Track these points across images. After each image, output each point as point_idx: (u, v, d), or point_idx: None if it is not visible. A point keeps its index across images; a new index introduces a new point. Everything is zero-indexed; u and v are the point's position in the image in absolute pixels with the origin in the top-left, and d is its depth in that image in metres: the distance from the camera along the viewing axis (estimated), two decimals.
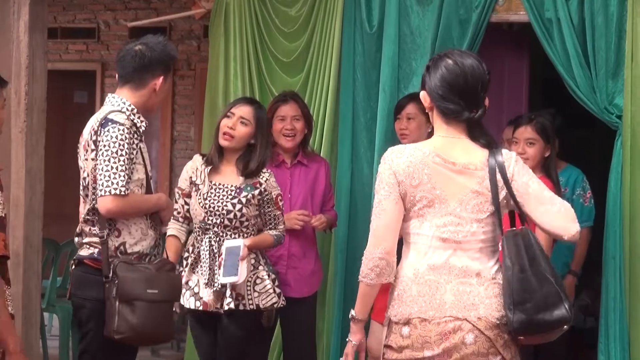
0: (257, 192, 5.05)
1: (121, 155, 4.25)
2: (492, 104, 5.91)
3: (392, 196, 3.62)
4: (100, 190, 4.26)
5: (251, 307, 5.00)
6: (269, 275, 5.10)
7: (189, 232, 5.19)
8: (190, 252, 5.07)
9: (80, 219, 4.45)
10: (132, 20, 8.66)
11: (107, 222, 4.36)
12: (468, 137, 3.70)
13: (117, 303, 4.23)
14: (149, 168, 4.47)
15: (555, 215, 3.64)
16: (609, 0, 5.64)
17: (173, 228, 5.12)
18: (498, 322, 3.56)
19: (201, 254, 5.01)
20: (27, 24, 5.89)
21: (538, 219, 3.64)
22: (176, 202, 5.13)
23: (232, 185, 5.04)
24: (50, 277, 7.00)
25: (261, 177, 5.08)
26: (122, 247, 4.35)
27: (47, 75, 6.07)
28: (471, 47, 5.96)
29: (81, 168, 4.45)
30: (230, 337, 5.03)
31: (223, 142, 5.07)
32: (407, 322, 3.59)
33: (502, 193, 3.63)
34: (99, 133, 4.31)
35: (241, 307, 4.97)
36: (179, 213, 5.12)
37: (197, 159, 5.16)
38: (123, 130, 4.28)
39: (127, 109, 4.38)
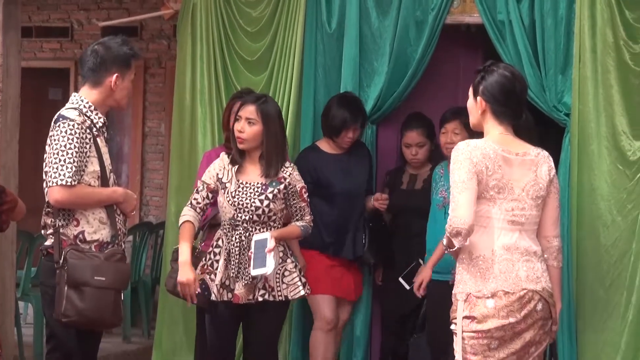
0: (282, 186, 5.04)
1: (69, 148, 4.27)
2: (448, 101, 6.04)
3: (472, 177, 4.02)
4: (49, 182, 4.30)
5: (280, 298, 5.02)
6: (295, 267, 5.10)
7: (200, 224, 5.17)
8: (217, 247, 5.05)
9: (43, 213, 4.45)
10: (104, 20, 8.63)
11: (64, 212, 4.37)
12: (515, 135, 4.19)
13: (65, 288, 4.25)
14: (107, 162, 4.47)
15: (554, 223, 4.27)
16: (559, 3, 5.67)
17: (188, 215, 5.07)
18: (551, 291, 4.12)
19: (231, 249, 5.00)
20: (1, 22, 5.88)
21: (545, 215, 4.22)
22: (197, 192, 5.10)
23: (257, 183, 5.03)
24: (25, 268, 6.97)
25: (284, 171, 5.07)
26: (81, 236, 4.37)
27: (21, 73, 6.05)
28: (427, 47, 5.98)
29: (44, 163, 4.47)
30: (264, 326, 5.07)
31: (240, 145, 5.06)
32: (492, 295, 4.00)
33: (548, 182, 4.17)
34: (53, 127, 4.35)
35: (271, 299, 4.98)
36: (198, 203, 5.08)
37: (225, 158, 5.14)
38: (73, 125, 4.30)
39: (85, 106, 4.42)
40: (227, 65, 6.52)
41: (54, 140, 4.30)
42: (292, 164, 5.15)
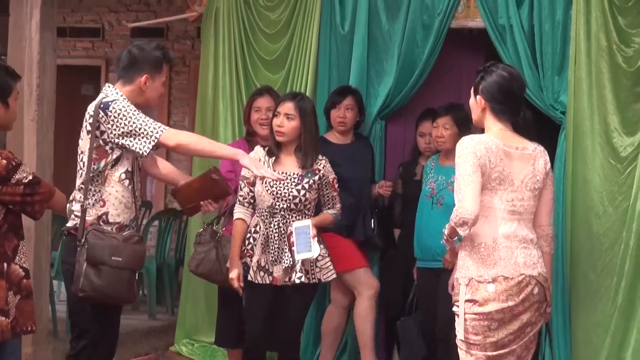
0: (316, 177, 5.06)
1: (138, 113, 4.25)
2: (451, 99, 6.01)
3: (477, 170, 3.96)
4: (148, 144, 4.23)
5: (314, 280, 5.06)
6: (326, 252, 5.13)
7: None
8: (255, 232, 5.04)
9: (75, 187, 4.42)
10: (133, 22, 8.61)
11: (94, 192, 4.34)
12: (514, 132, 4.13)
13: (84, 265, 4.22)
14: None
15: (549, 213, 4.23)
16: (556, 10, 5.64)
17: (240, 212, 5.10)
18: (546, 276, 4.10)
19: (269, 235, 5.01)
20: (39, 23, 5.87)
21: (541, 206, 4.16)
22: (241, 189, 5.11)
23: (294, 174, 5.04)
24: (59, 249, 6.97)
25: (319, 164, 5.09)
26: (104, 217, 4.32)
27: (56, 70, 6.04)
28: (433, 49, 5.97)
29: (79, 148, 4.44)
30: (296, 306, 5.09)
31: (279, 138, 5.06)
32: (493, 280, 3.96)
33: (544, 175, 4.12)
34: (106, 114, 4.26)
35: (306, 281, 5.00)
36: (244, 199, 5.09)
37: (260, 151, 5.13)
38: (123, 99, 4.29)
39: (118, 96, 4.36)
40: (247, 64, 6.52)
41: (122, 117, 4.23)
42: (324, 157, 5.15)
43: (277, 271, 4.98)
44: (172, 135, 4.32)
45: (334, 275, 5.15)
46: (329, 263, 5.11)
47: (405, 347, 5.84)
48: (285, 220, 5.00)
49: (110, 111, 4.27)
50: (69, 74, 8.92)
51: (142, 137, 4.25)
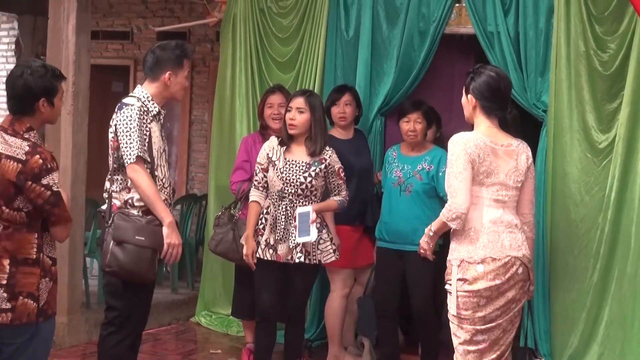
0: (323, 166, 5.03)
1: (134, 128, 4.22)
2: (445, 98, 5.98)
3: (468, 167, 3.95)
4: (129, 158, 4.23)
5: (314, 261, 5.03)
6: (329, 236, 5.09)
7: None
8: (267, 213, 5.03)
9: (106, 179, 4.43)
10: (159, 26, 8.59)
11: (120, 180, 4.34)
12: (500, 128, 4.10)
13: (111, 244, 4.22)
14: (157, 145, 4.36)
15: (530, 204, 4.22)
16: (539, 18, 5.62)
17: (255, 195, 5.09)
18: (530, 257, 4.08)
19: (278, 217, 4.99)
20: (75, 27, 5.88)
21: (523, 196, 4.15)
22: (256, 174, 5.10)
23: (302, 162, 5.01)
24: (92, 229, 6.96)
25: (325, 154, 5.06)
26: (130, 200, 4.31)
27: (90, 69, 6.03)
28: (428, 53, 5.94)
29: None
30: (298, 284, 5.07)
31: (291, 131, 5.04)
32: (482, 261, 3.95)
33: (526, 169, 4.11)
34: (117, 113, 4.31)
35: (306, 261, 4.98)
36: (259, 183, 5.08)
37: (274, 140, 5.12)
38: (132, 109, 4.26)
39: (143, 96, 4.36)
40: (261, 65, 6.52)
41: (124, 124, 4.24)
42: (331, 149, 5.12)
43: (282, 249, 4.97)
44: (132, 167, 4.25)
45: (334, 258, 5.09)
46: (330, 247, 5.06)
47: (365, 324, 5.78)
48: (292, 204, 4.98)
49: (122, 113, 4.28)
50: (101, 73, 8.89)
51: (127, 151, 4.24)
